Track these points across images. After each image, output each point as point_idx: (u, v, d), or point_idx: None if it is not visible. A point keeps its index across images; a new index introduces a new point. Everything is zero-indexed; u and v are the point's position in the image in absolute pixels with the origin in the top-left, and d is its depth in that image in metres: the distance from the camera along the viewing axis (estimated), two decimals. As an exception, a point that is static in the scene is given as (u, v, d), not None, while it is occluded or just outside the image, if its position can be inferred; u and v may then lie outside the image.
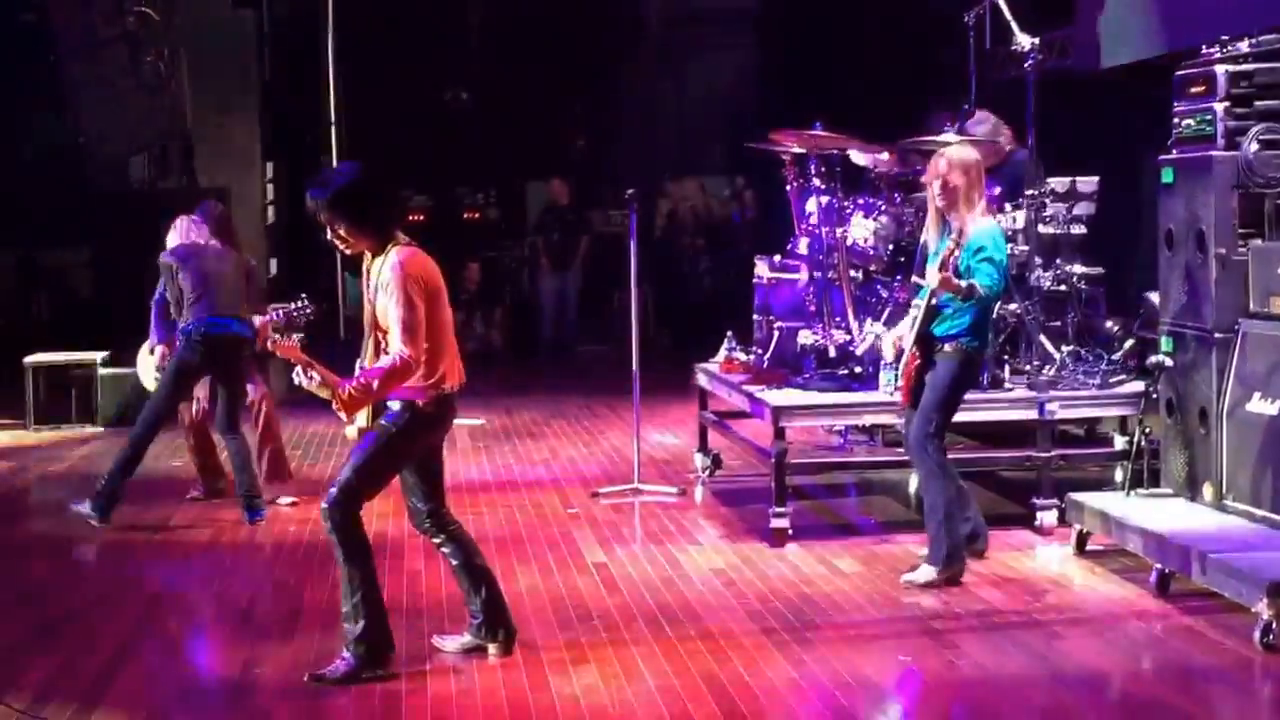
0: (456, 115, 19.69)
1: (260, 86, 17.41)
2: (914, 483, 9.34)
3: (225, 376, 8.85)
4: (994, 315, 7.48)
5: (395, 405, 5.96)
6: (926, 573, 7.05)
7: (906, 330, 7.32)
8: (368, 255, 5.98)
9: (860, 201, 9.00)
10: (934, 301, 7.08)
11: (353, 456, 6.02)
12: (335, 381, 5.85)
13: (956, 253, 6.94)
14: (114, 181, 15.08)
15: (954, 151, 7.21)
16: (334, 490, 5.93)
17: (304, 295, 8.57)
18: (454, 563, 6.20)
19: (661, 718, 5.44)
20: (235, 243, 9.18)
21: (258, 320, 9.04)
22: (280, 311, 8.89)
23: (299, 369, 5.81)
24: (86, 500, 8.58)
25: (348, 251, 6.03)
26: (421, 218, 19.70)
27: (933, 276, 6.99)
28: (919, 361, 7.16)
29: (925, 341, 7.14)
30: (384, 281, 5.82)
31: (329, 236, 5.96)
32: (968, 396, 7.48)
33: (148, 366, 9.36)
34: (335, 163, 15.42)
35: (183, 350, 8.70)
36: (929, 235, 7.33)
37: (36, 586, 7.50)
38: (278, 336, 5.87)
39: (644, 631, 6.48)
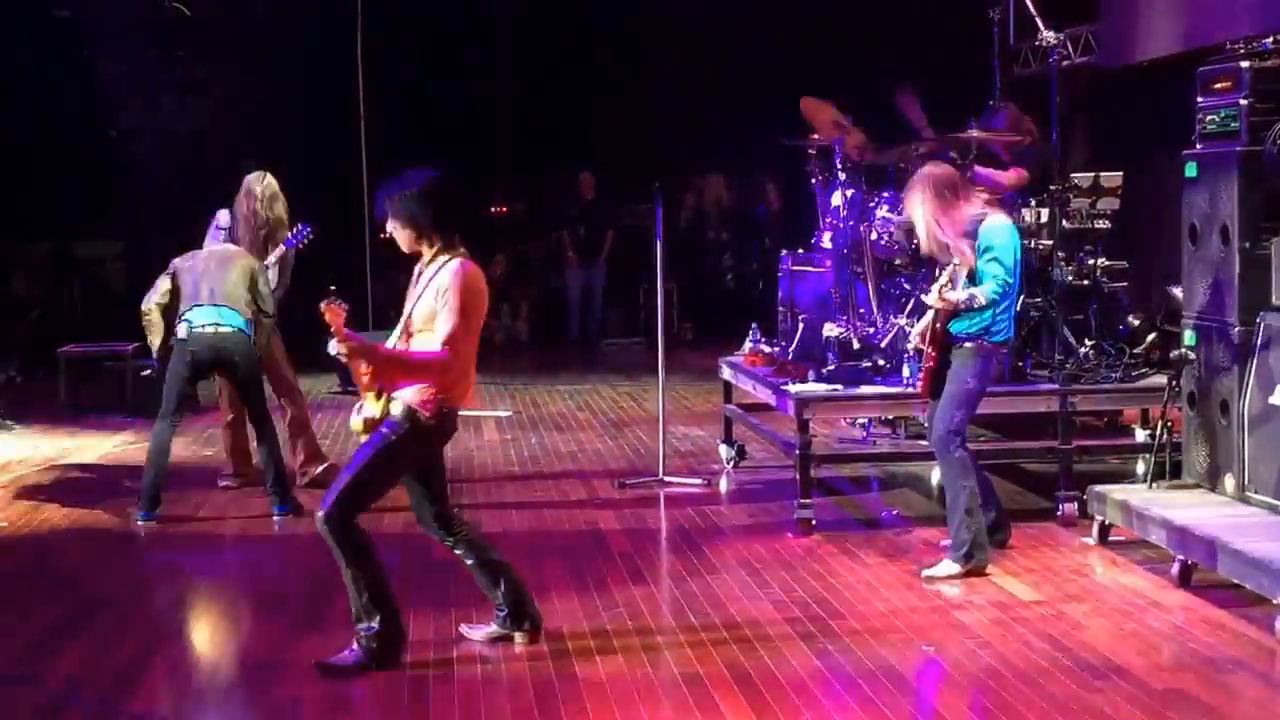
0: (483, 109, 19.68)
1: (288, 81, 17.49)
2: (936, 475, 9.34)
3: (231, 375, 8.75)
4: (1016, 308, 7.42)
5: (397, 412, 5.92)
6: (948, 567, 7.04)
7: (930, 324, 7.29)
8: (425, 257, 5.95)
9: (885, 195, 8.99)
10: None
11: (350, 465, 5.99)
12: (373, 345, 5.84)
13: (965, 265, 6.98)
14: (146, 175, 15.16)
15: (910, 190, 7.16)
16: (330, 500, 5.89)
17: (301, 223, 9.16)
18: (469, 562, 6.21)
19: (687, 706, 5.45)
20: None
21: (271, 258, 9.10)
22: (281, 246, 9.07)
23: (334, 341, 5.79)
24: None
25: (406, 250, 6.00)
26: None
27: (933, 299, 6.99)
28: (936, 360, 7.14)
29: (943, 338, 7.12)
30: (441, 285, 5.80)
31: (390, 233, 5.97)
32: (991, 389, 7.47)
33: None
34: (364, 156, 15.43)
35: (172, 359, 8.59)
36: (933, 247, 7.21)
37: (69, 572, 7.54)
38: (331, 300, 5.82)
39: (669, 621, 6.50)
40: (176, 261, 8.77)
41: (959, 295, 6.96)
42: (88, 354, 13.19)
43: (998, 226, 7.02)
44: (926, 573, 7.05)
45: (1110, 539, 7.55)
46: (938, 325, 7.12)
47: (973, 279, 7.00)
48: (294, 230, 9.28)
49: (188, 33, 14.51)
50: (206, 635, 6.71)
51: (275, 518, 8.60)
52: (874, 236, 8.84)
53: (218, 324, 8.49)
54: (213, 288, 8.54)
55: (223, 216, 9.08)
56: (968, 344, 7.06)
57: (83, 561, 7.80)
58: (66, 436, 11.69)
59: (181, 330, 8.50)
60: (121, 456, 10.84)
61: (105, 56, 13.77)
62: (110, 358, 12.99)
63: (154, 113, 13.86)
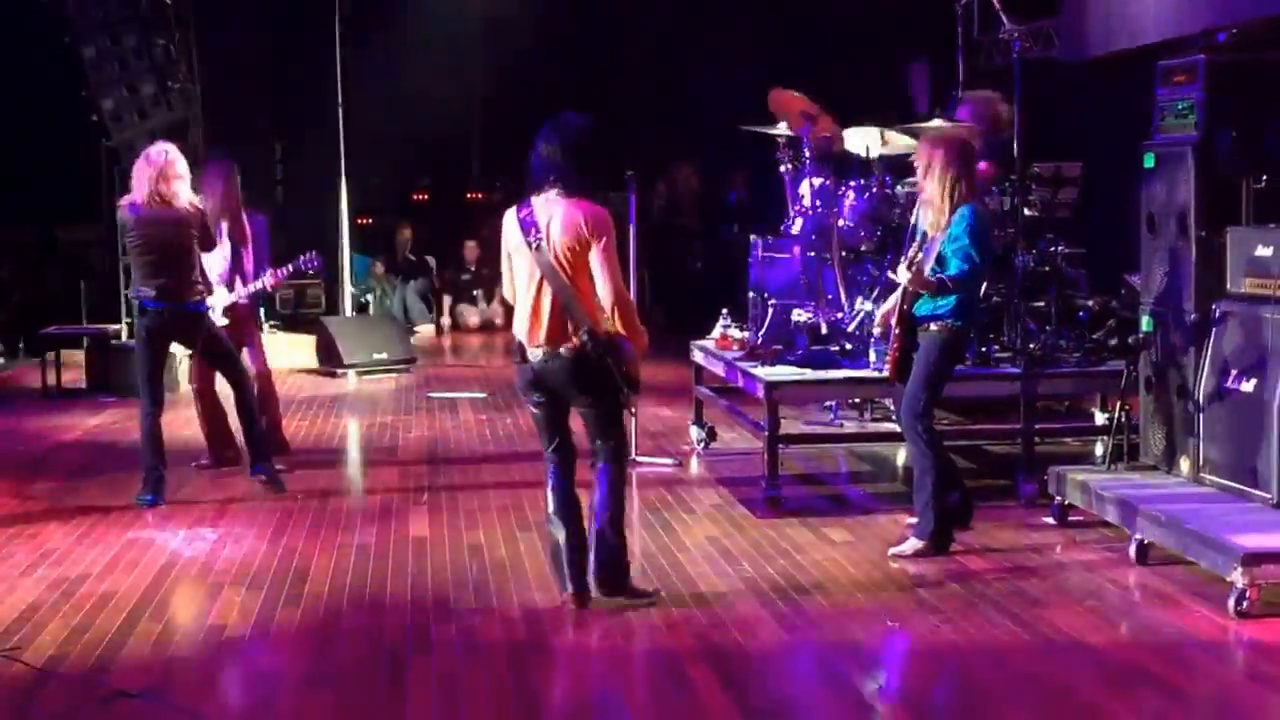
0: (459, 97, 19.62)
1: (270, 68, 17.41)
2: (903, 456, 9.38)
3: (192, 347, 8.69)
4: (981, 293, 7.43)
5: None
6: (914, 545, 7.06)
7: (893, 308, 7.27)
8: (550, 202, 6.13)
9: (852, 184, 9.00)
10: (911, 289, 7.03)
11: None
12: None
13: (939, 238, 6.92)
14: (128, 160, 15.05)
15: (943, 135, 7.20)
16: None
17: (314, 250, 9.23)
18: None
19: (659, 679, 5.46)
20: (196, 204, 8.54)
21: (268, 279, 9.07)
22: (288, 267, 9.05)
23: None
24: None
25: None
26: (425, 198, 19.67)
27: (902, 275, 6.92)
28: (902, 343, 7.10)
29: (909, 321, 7.08)
30: (598, 230, 6.07)
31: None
32: (955, 371, 7.48)
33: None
34: (342, 142, 15.38)
35: (135, 327, 8.48)
36: (919, 214, 7.27)
37: (51, 551, 7.50)
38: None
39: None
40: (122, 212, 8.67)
41: (928, 276, 6.89)
42: (70, 335, 13.12)
43: (969, 213, 6.96)
44: (893, 551, 7.07)
45: (1070, 519, 7.58)
46: (904, 307, 7.07)
47: (940, 262, 6.97)
48: (303, 257, 9.31)
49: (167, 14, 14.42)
50: (186, 611, 6.68)
51: (252, 476, 8.68)
52: (841, 223, 8.85)
53: (171, 306, 8.44)
54: (166, 258, 8.44)
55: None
56: (933, 326, 7.03)
57: (64, 539, 7.76)
58: (48, 416, 11.63)
59: (136, 298, 8.50)
60: (103, 436, 10.80)
61: (86, 42, 13.65)
62: (93, 337, 12.93)
63: (136, 95, 13.75)
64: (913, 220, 7.54)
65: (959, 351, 7.28)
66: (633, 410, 6.85)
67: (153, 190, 8.29)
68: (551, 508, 6.41)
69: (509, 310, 7.08)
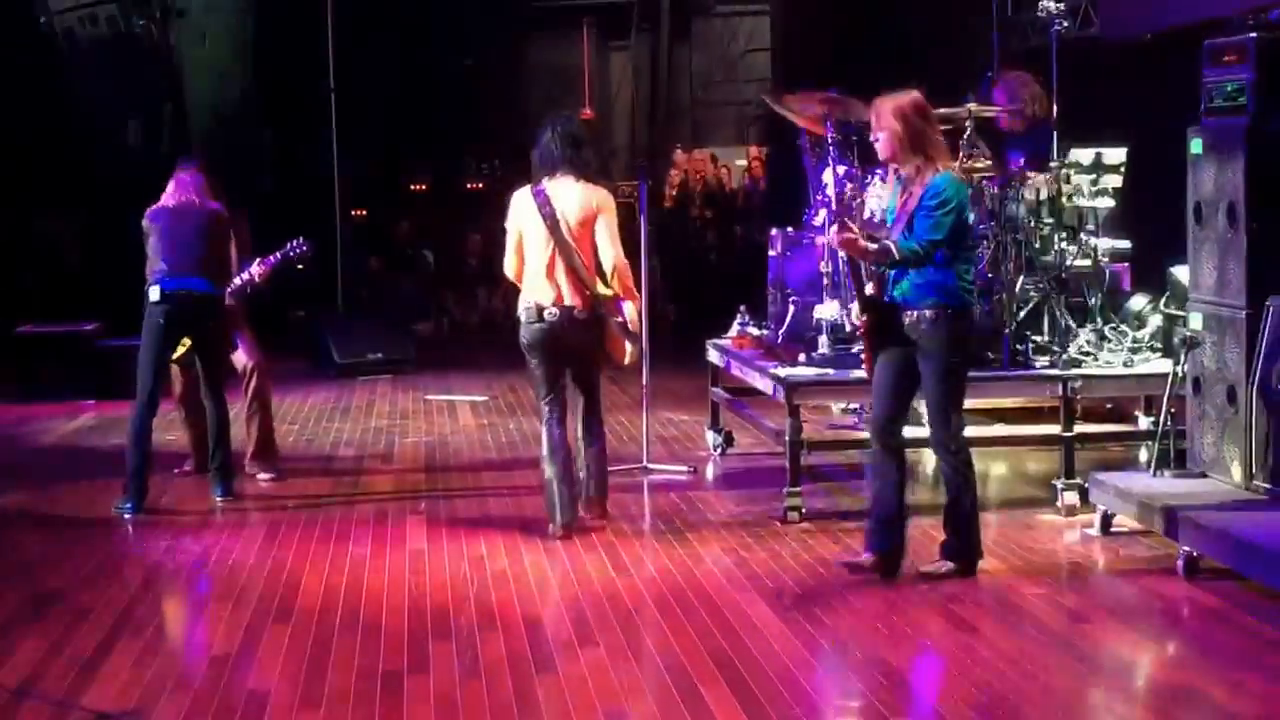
0: (459, 81, 19.67)
1: (255, 50, 17.44)
2: (930, 463, 9.36)
3: (197, 340, 8.72)
4: (973, 267, 7.10)
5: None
6: (945, 566, 6.93)
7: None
8: (560, 184, 7.64)
9: (878, 171, 8.97)
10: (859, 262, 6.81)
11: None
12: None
13: (910, 201, 6.64)
14: (107, 146, 15.09)
15: (886, 99, 6.77)
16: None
17: (300, 237, 9.23)
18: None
19: (671, 699, 5.44)
20: (207, 199, 8.86)
21: (256, 268, 9.08)
22: (275, 255, 9.07)
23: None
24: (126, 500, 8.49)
25: None
26: (424, 188, 19.69)
27: (832, 236, 6.73)
28: (872, 331, 6.80)
29: (880, 307, 6.76)
30: (603, 206, 7.70)
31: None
32: (986, 373, 7.48)
33: None
34: (334, 128, 15.41)
35: (146, 316, 8.55)
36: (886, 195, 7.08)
37: (26, 562, 7.51)
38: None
39: (652, 612, 6.49)
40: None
41: (867, 244, 6.64)
42: (46, 334, 13.14)
43: (943, 180, 6.64)
44: (924, 569, 6.96)
45: (1113, 529, 7.56)
46: (869, 293, 6.78)
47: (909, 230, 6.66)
48: (291, 244, 9.31)
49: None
50: (169, 627, 6.69)
51: (219, 500, 8.67)
52: (867, 214, 8.83)
53: (183, 283, 8.58)
54: (177, 245, 8.61)
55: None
56: (926, 316, 6.67)
57: (39, 550, 7.76)
58: (23, 419, 11.65)
59: (148, 288, 8.57)
60: (79, 440, 10.81)
61: (61, 22, 13.70)
62: (69, 337, 12.94)
63: (116, 79, 13.81)
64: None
65: (967, 342, 6.90)
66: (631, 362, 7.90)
67: (188, 196, 8.69)
68: (546, 449, 7.69)
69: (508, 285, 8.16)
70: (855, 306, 7.08)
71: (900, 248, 6.58)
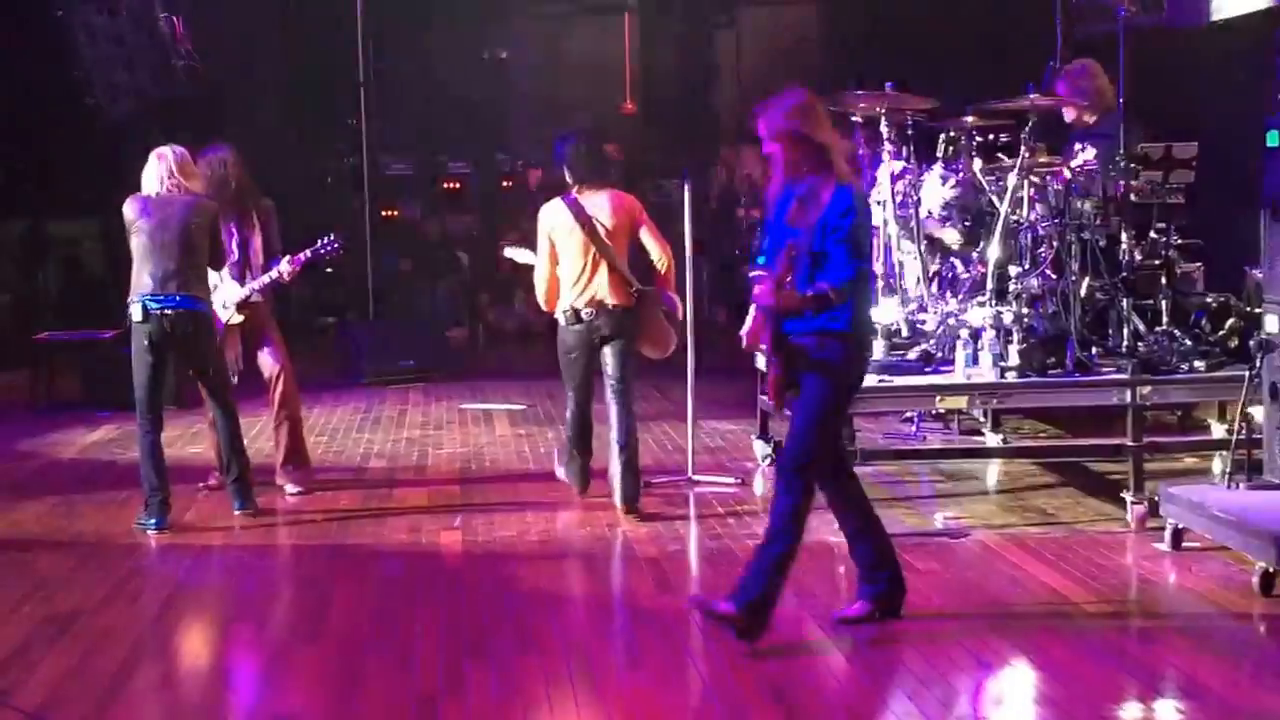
0: (494, 76, 19.71)
1: (282, 44, 17.52)
2: (993, 474, 9.34)
3: (190, 358, 8.71)
4: (869, 291, 6.58)
5: None
6: (861, 609, 6.46)
7: (756, 326, 6.43)
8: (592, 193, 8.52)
9: (936, 168, 8.96)
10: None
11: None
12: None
13: (807, 231, 6.08)
14: (125, 145, 15.16)
15: (772, 104, 6.24)
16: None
17: (331, 233, 9.27)
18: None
19: (719, 725, 5.45)
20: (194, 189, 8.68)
21: (285, 266, 9.09)
22: (305, 253, 9.08)
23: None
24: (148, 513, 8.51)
25: None
26: (457, 186, 19.72)
27: (764, 295, 6.07)
28: (782, 367, 6.23)
29: (784, 341, 6.22)
30: (640, 211, 8.71)
31: None
32: (1050, 379, 7.45)
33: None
34: (364, 126, 15.48)
35: (131, 334, 8.51)
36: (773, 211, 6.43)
37: (44, 581, 7.56)
38: None
39: (699, 633, 6.48)
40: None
41: (801, 294, 6.07)
42: (65, 342, 13.23)
43: (846, 196, 6.10)
44: (839, 615, 6.51)
45: (1184, 544, 7.52)
46: (774, 326, 6.20)
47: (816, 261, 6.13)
48: (322, 241, 9.32)
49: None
50: (193, 649, 6.72)
51: (237, 513, 8.69)
52: (924, 213, 8.82)
53: (169, 301, 8.51)
54: (159, 254, 8.50)
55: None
56: (816, 343, 6.17)
57: (58, 568, 7.81)
58: (42, 431, 11.72)
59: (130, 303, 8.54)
60: (98, 453, 10.88)
61: (78, 14, 13.77)
62: (89, 345, 13.03)
63: (135, 75, 13.86)
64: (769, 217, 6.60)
65: (852, 371, 6.35)
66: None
67: (166, 183, 8.49)
68: (573, 431, 8.76)
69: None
70: (761, 347, 6.39)
71: (836, 289, 6.04)
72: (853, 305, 6.15)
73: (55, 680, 6.01)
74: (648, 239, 8.65)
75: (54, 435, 11.59)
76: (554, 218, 8.50)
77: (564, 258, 8.48)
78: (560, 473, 9.04)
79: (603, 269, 8.44)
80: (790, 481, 6.23)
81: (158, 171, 8.55)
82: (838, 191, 6.11)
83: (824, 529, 7.58)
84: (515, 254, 9.28)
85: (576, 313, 8.48)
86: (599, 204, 8.52)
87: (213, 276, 8.96)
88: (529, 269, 8.83)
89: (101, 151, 14.32)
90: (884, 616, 6.44)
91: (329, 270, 9.01)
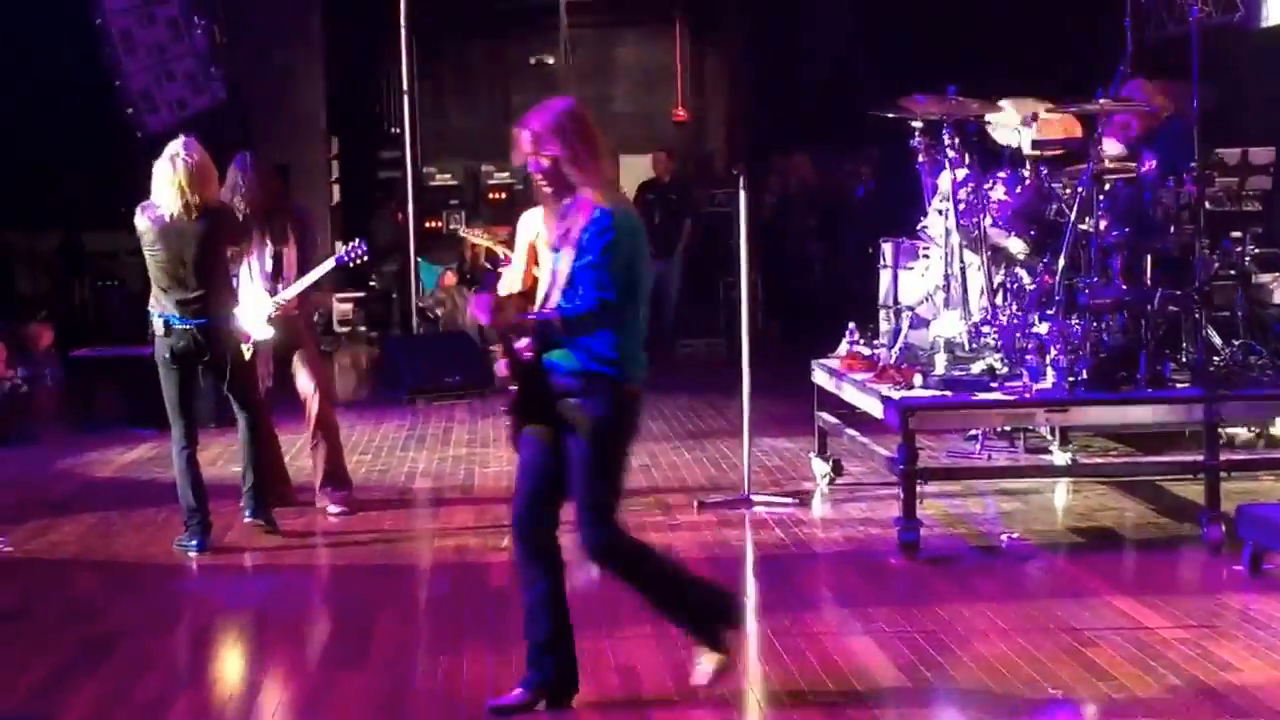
0: (542, 81, 19.78)
1: (323, 52, 17.62)
2: (1061, 494, 9.30)
3: (212, 369, 8.68)
4: (638, 331, 5.84)
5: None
6: (708, 665, 5.98)
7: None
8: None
9: (1000, 175, 8.94)
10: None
11: None
12: None
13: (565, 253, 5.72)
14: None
15: (537, 113, 5.80)
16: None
17: (358, 239, 9.30)
18: None
19: (779, 755, 5.44)
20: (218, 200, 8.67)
21: (328, 263, 9.16)
22: (331, 260, 9.15)
23: None
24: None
25: None
26: (503, 196, 19.81)
27: (480, 310, 5.81)
28: (523, 400, 5.84)
29: (529, 372, 5.79)
30: None
31: None
32: (1121, 395, 7.38)
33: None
34: (407, 132, 15.56)
35: (155, 348, 8.56)
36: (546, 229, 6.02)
37: (84, 602, 7.61)
38: None
39: (756, 656, 6.48)
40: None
41: (527, 318, 5.78)
42: (102, 358, 13.32)
43: (610, 216, 5.67)
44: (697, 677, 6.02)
45: (1265, 567, 7.46)
46: (519, 355, 5.82)
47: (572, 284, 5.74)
48: (349, 247, 9.36)
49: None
50: (235, 674, 6.75)
51: (246, 520, 8.74)
52: (989, 222, 8.79)
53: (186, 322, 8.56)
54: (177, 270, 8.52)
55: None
56: (582, 389, 5.72)
57: (97, 590, 7.87)
58: (79, 449, 11.80)
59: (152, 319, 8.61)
60: (137, 472, 10.95)
61: (117, 23, 13.90)
62: (125, 362, 13.11)
63: (174, 85, 13.99)
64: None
65: (627, 420, 5.85)
66: None
67: (184, 201, 8.35)
68: None
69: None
70: (502, 369, 6.00)
71: (566, 316, 5.66)
72: (616, 346, 5.66)
73: (96, 705, 6.05)
74: None
75: (92, 454, 11.66)
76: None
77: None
78: None
79: None
80: (614, 568, 5.91)
81: (171, 183, 8.36)
82: (596, 213, 5.65)
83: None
84: (470, 235, 9.43)
85: None
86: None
87: (246, 287, 9.03)
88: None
89: (139, 163, 14.42)
90: (553, 705, 5.86)
91: (372, 284, 9.01)
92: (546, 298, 5.75)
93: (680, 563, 6.24)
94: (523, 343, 5.78)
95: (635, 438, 5.92)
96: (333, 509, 9.28)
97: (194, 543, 8.44)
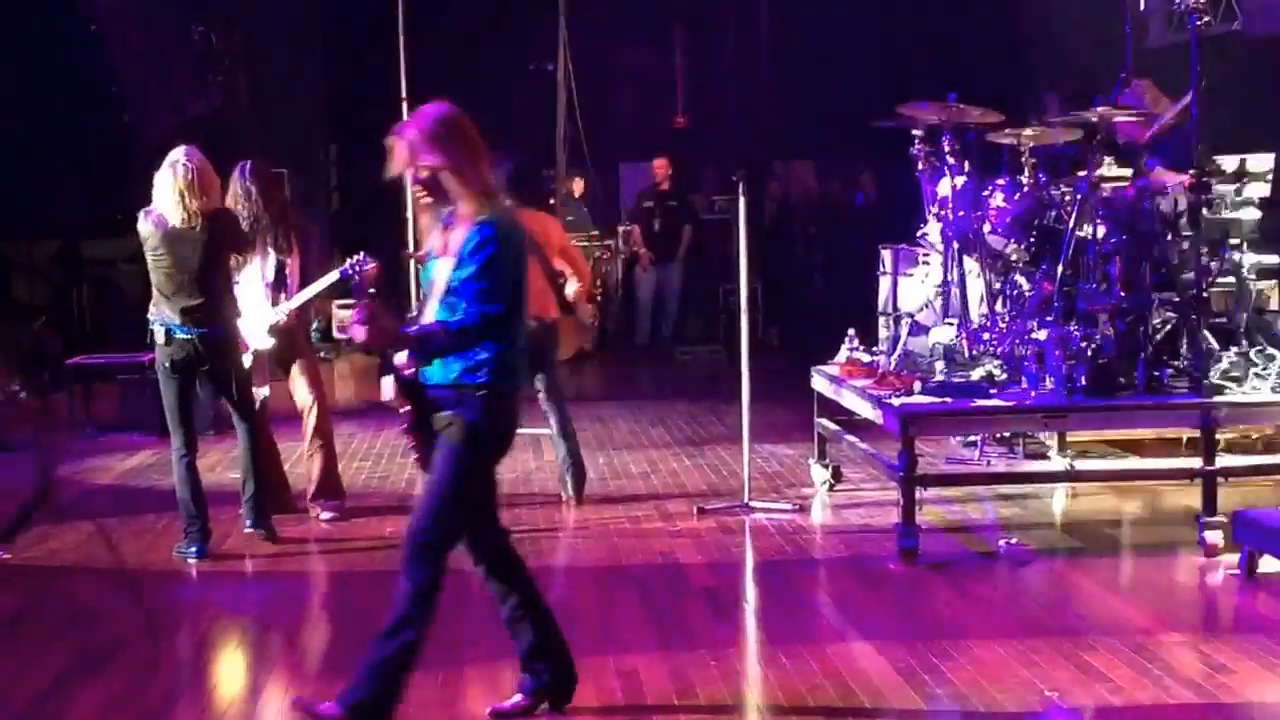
0: (543, 88, 19.84)
1: (322, 58, 17.67)
2: (1059, 499, 9.36)
3: (213, 379, 8.70)
4: (515, 346, 5.66)
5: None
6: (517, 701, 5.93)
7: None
8: (524, 213, 8.31)
9: (1000, 183, 9.00)
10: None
11: None
12: None
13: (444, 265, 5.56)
14: (161, 163, 15.32)
15: (413, 121, 5.65)
16: None
17: (363, 252, 9.24)
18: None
19: (778, 758, 5.49)
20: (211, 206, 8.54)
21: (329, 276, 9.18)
22: (335, 273, 9.17)
23: None
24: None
25: None
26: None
27: (354, 326, 5.50)
28: (415, 418, 5.72)
29: (414, 390, 5.67)
30: (560, 230, 9.89)
31: None
32: (1119, 401, 7.44)
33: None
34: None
35: (156, 355, 8.56)
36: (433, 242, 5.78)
37: (84, 610, 7.66)
38: None
39: (757, 666, 6.53)
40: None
41: (403, 331, 5.63)
42: (100, 365, 13.37)
43: (490, 229, 5.50)
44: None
45: (1260, 571, 7.52)
46: (402, 371, 5.70)
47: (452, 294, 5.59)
48: (353, 261, 9.36)
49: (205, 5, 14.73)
50: (235, 680, 6.80)
51: (247, 530, 8.78)
52: (988, 229, 8.86)
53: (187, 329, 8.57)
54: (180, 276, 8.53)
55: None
56: (453, 399, 5.60)
57: (97, 597, 7.92)
58: (77, 457, 11.85)
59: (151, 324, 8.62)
60: (136, 479, 10.99)
61: (114, 30, 13.94)
62: (124, 369, 13.16)
63: (170, 92, 14.04)
64: (425, 246, 6.01)
65: (498, 433, 5.70)
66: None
67: (186, 210, 8.39)
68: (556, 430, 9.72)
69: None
70: (388, 386, 5.88)
71: (450, 329, 5.49)
72: (492, 357, 5.51)
73: (97, 711, 6.10)
74: (573, 254, 9.73)
75: (91, 460, 11.71)
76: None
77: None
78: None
79: (543, 284, 9.22)
80: (415, 561, 5.62)
81: (173, 190, 8.40)
82: (476, 224, 5.49)
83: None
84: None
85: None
86: (531, 224, 8.43)
87: (248, 295, 9.07)
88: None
89: (137, 169, 14.47)
90: (554, 708, 5.89)
91: (373, 291, 9.06)
92: (422, 310, 5.63)
93: (558, 632, 5.92)
94: (402, 358, 5.63)
95: (506, 450, 5.71)
96: (324, 515, 9.33)
97: (193, 549, 8.49)
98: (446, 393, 5.55)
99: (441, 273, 5.52)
